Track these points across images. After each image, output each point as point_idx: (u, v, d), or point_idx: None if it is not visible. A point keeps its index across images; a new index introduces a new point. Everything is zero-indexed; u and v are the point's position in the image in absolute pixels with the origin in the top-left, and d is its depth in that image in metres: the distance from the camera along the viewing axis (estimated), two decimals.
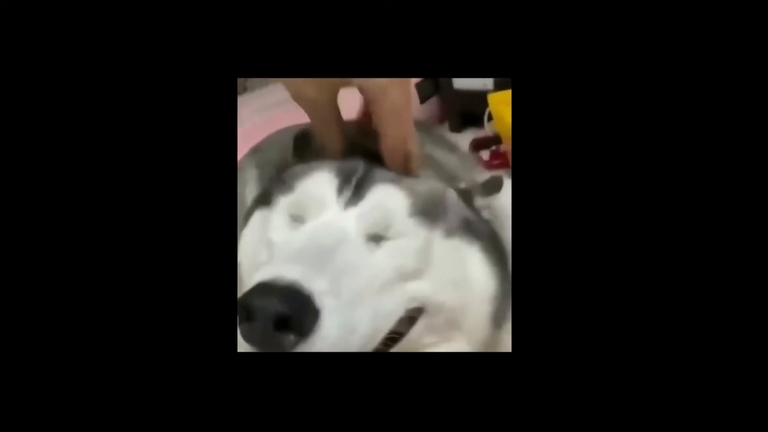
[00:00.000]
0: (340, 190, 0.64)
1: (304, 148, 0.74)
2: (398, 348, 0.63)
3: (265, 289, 0.51)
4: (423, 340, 0.66)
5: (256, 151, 0.98)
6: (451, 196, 0.69)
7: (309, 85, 0.63)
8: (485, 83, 1.63)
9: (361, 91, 0.64)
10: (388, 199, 0.63)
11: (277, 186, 0.70)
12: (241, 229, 0.76)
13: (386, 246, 0.62)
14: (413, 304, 0.63)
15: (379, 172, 0.66)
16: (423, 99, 1.73)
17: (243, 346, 0.52)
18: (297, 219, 0.65)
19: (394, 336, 0.62)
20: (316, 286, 0.52)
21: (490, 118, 1.49)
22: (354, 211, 0.63)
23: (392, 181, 0.65)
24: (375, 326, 0.58)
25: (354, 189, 0.64)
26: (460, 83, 1.74)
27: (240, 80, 2.53)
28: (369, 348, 0.57)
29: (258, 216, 0.72)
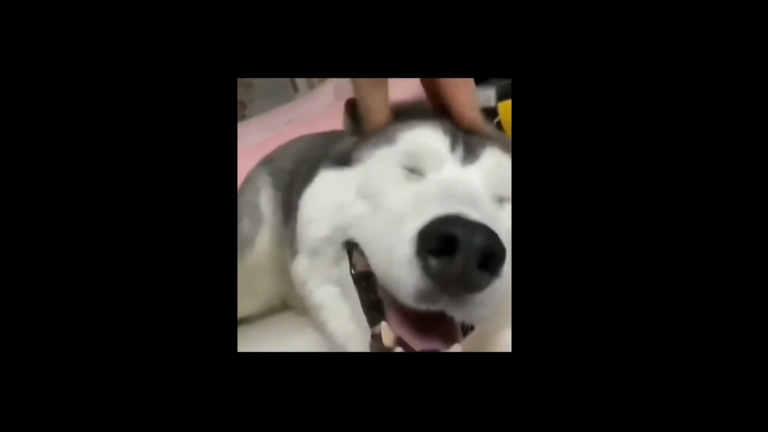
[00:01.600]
0: (453, 147, 0.64)
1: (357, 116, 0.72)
2: (487, 324, 0.61)
3: (466, 223, 0.50)
4: (502, 317, 0.62)
5: (268, 160, 0.99)
6: None
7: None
8: (488, 97, 1.63)
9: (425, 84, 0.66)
10: (503, 161, 0.64)
11: (364, 143, 0.68)
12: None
13: (507, 208, 0.62)
14: None
15: (476, 137, 0.65)
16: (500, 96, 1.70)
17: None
18: (414, 170, 0.63)
19: None
20: (496, 229, 0.51)
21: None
22: (474, 170, 0.63)
23: (496, 146, 0.65)
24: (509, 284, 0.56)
25: (465, 147, 0.64)
26: None
27: (239, 107, 2.57)
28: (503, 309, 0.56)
29: (328, 175, 0.70)
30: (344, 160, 0.69)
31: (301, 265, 0.70)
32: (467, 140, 0.64)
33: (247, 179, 0.95)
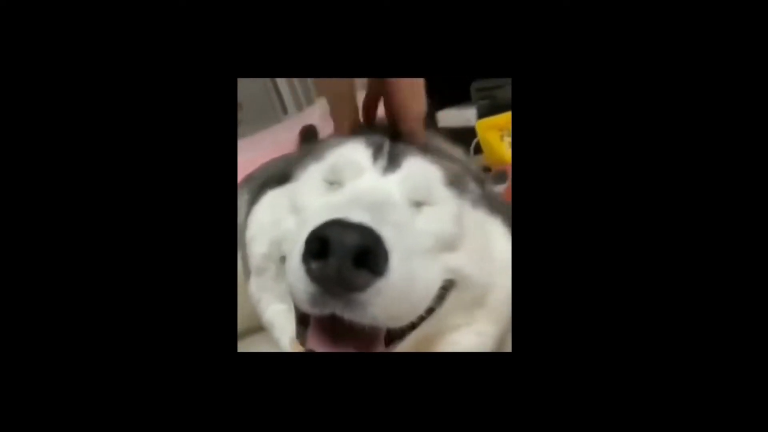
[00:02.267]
0: (375, 158, 0.65)
1: (310, 139, 0.75)
2: (428, 328, 0.63)
3: (340, 223, 0.50)
4: (451, 320, 0.65)
5: (249, 179, 1.00)
6: (469, 173, 0.71)
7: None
8: (469, 119, 1.64)
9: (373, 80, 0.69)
10: (424, 168, 0.65)
11: (300, 161, 0.71)
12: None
13: (426, 212, 0.63)
14: (448, 276, 0.62)
15: (403, 146, 0.68)
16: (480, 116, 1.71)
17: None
18: (333, 183, 0.65)
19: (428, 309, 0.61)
20: (383, 230, 0.51)
21: (476, 151, 1.48)
22: (394, 177, 0.64)
23: (420, 154, 0.67)
24: (425, 289, 0.58)
25: (388, 158, 0.66)
26: (445, 119, 1.75)
27: None
28: (418, 311, 0.58)
29: (271, 194, 0.72)
30: (282, 179, 0.72)
31: (253, 285, 0.72)
32: (392, 151, 0.67)
33: None
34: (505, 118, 1.28)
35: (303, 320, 0.59)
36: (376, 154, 0.66)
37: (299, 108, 2.72)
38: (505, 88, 1.63)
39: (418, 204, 0.63)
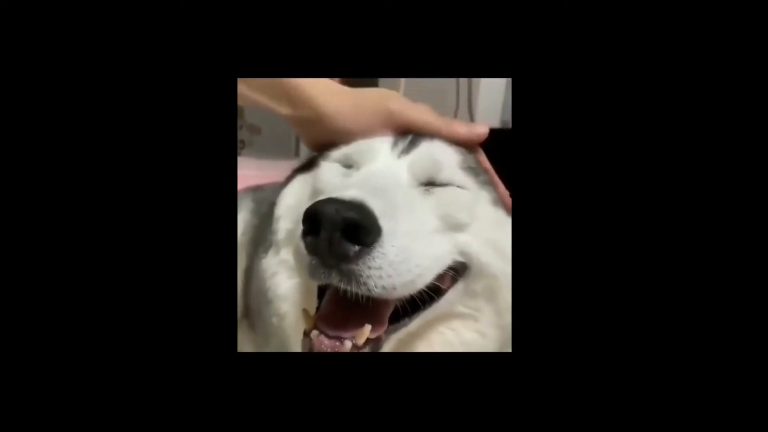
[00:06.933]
0: (395, 143, 0.67)
1: None
2: (435, 311, 0.63)
3: (332, 200, 0.52)
4: (458, 306, 0.66)
5: (256, 188, 1.02)
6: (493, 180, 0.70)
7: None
8: None
9: None
10: (438, 149, 0.66)
11: (326, 152, 0.72)
12: None
13: (436, 192, 0.64)
14: (460, 258, 0.63)
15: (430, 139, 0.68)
16: None
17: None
18: (350, 166, 0.67)
19: (435, 289, 0.61)
20: (377, 206, 0.53)
21: None
22: (406, 159, 0.65)
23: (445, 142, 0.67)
24: (426, 264, 0.58)
25: (408, 143, 0.67)
26: None
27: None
28: (417, 286, 0.58)
29: (299, 178, 0.74)
30: (310, 166, 0.73)
31: (273, 260, 0.72)
32: (415, 137, 0.68)
33: None
34: None
35: (320, 293, 0.61)
36: (398, 139, 0.67)
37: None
38: None
39: (427, 184, 0.64)
